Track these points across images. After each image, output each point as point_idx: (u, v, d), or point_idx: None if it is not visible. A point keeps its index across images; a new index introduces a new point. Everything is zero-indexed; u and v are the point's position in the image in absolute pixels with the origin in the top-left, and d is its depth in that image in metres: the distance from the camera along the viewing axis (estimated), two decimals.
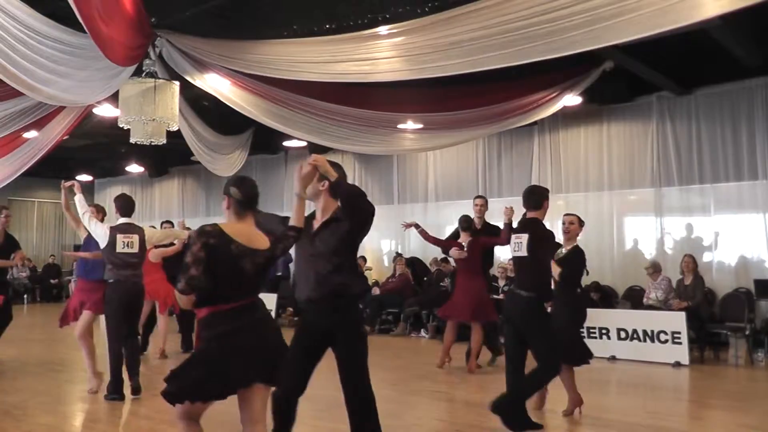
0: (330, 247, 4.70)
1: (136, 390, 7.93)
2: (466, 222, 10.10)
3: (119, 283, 7.89)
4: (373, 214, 4.70)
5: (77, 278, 8.69)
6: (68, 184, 8.27)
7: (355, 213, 4.68)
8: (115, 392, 7.88)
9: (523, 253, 6.61)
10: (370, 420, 4.83)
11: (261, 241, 4.17)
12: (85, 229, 8.20)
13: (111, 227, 7.96)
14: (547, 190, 7.07)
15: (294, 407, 4.93)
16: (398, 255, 16.30)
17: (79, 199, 7.99)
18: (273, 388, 4.36)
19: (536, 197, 6.83)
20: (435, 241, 10.29)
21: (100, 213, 8.40)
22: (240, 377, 4.02)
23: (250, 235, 4.14)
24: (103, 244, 7.94)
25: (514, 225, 7.39)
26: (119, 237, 7.90)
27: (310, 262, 4.80)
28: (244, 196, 4.18)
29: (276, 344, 4.19)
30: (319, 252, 4.72)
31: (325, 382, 5.54)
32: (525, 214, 6.95)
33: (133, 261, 8.04)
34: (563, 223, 7.54)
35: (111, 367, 7.93)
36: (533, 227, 6.69)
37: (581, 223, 7.67)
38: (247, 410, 4.18)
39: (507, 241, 8.02)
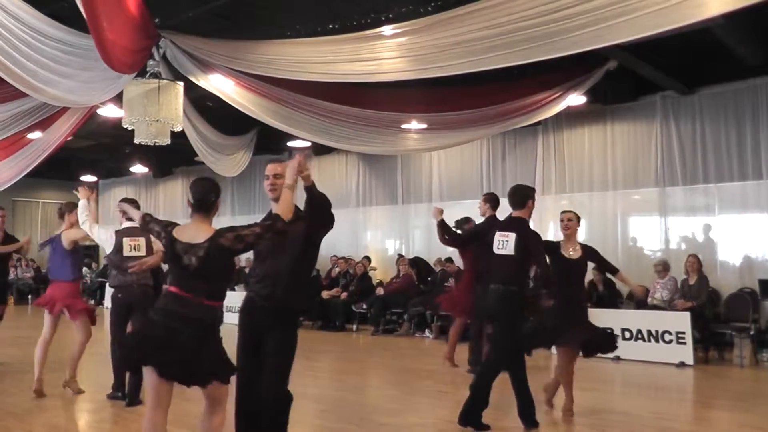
0: (293, 246, 4.79)
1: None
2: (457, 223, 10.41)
3: (123, 288, 7.83)
4: (332, 224, 4.99)
5: (72, 280, 8.53)
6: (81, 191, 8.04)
7: (321, 216, 4.89)
8: (118, 391, 7.89)
9: (510, 252, 6.63)
10: (276, 423, 4.88)
11: (202, 236, 4.39)
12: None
13: (116, 231, 7.85)
14: (532, 189, 7.11)
15: (258, 408, 4.90)
16: (400, 256, 16.28)
17: (82, 205, 7.82)
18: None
19: (520, 196, 6.86)
20: None
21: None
22: (151, 352, 4.27)
23: (193, 232, 4.44)
24: (108, 248, 7.86)
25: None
26: (126, 241, 7.78)
27: (269, 259, 4.90)
28: (192, 198, 4.56)
29: (195, 350, 4.27)
30: (281, 250, 4.79)
31: (326, 382, 5.60)
32: (510, 214, 6.97)
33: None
34: (561, 221, 7.48)
35: (114, 368, 7.95)
36: (520, 226, 6.73)
37: (579, 220, 7.64)
38: (206, 402, 4.53)
39: (442, 240, 8.66)
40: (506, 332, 6.66)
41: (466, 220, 10.63)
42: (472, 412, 6.56)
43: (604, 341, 7.33)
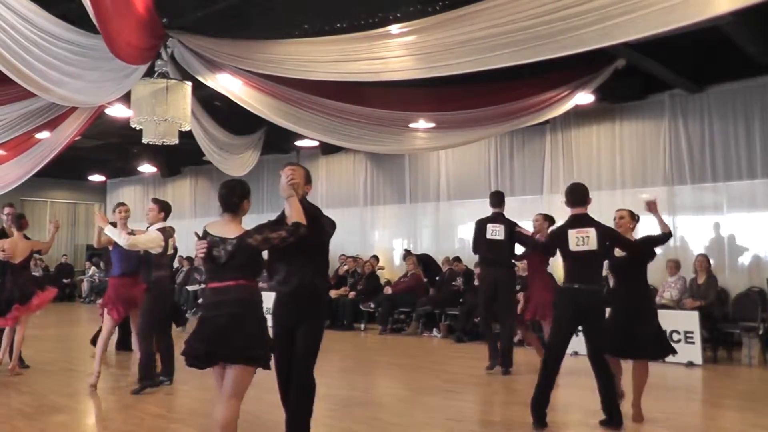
0: (303, 248, 5.10)
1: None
2: None
3: (164, 282, 8.47)
4: (331, 228, 5.50)
5: (116, 276, 8.83)
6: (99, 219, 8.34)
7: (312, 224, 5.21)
8: (148, 378, 8.26)
9: (593, 246, 6.64)
10: (302, 406, 5.34)
11: (232, 232, 4.78)
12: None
13: (160, 230, 8.35)
14: (586, 188, 7.14)
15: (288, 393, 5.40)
16: (408, 252, 16.23)
17: (110, 230, 8.07)
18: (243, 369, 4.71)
19: (581, 193, 6.95)
20: None
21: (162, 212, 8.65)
22: (205, 348, 4.60)
23: (223, 227, 4.84)
24: (160, 249, 8.29)
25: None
26: (170, 241, 8.44)
27: (287, 256, 5.26)
28: (219, 199, 4.93)
29: (232, 328, 4.60)
30: (297, 248, 5.05)
31: (339, 381, 5.64)
32: (575, 212, 6.94)
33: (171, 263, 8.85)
34: (614, 219, 7.50)
35: (145, 361, 8.26)
36: (593, 221, 6.80)
37: (633, 217, 7.58)
38: (223, 386, 4.69)
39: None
40: (601, 333, 6.74)
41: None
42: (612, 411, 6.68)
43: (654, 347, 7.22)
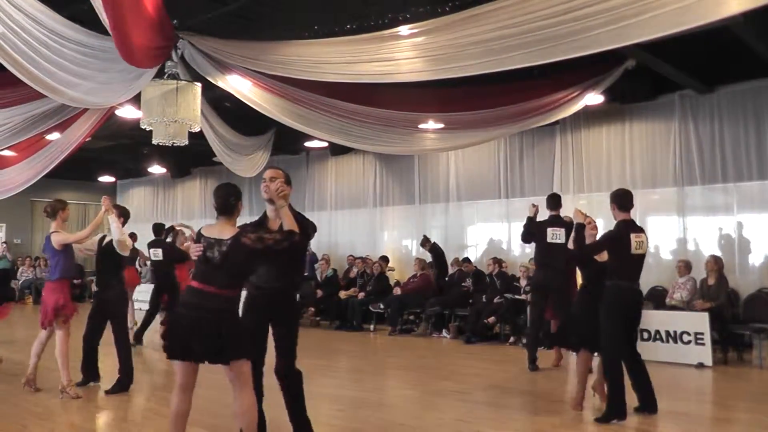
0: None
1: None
2: None
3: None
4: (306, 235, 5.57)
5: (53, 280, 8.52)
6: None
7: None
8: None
9: (645, 251, 7.21)
10: (292, 393, 5.56)
11: (227, 233, 4.94)
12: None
13: None
14: None
15: (260, 380, 5.52)
16: (426, 238, 16.09)
17: (113, 220, 8.21)
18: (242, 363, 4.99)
19: (632, 199, 7.38)
20: None
21: (122, 217, 8.59)
22: (178, 345, 4.82)
23: (219, 230, 5.00)
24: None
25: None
26: None
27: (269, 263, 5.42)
28: (215, 203, 5.10)
29: (215, 331, 4.79)
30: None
31: (348, 382, 5.64)
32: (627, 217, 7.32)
33: None
34: (588, 223, 7.68)
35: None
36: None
37: None
38: (232, 387, 4.98)
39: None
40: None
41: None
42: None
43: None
